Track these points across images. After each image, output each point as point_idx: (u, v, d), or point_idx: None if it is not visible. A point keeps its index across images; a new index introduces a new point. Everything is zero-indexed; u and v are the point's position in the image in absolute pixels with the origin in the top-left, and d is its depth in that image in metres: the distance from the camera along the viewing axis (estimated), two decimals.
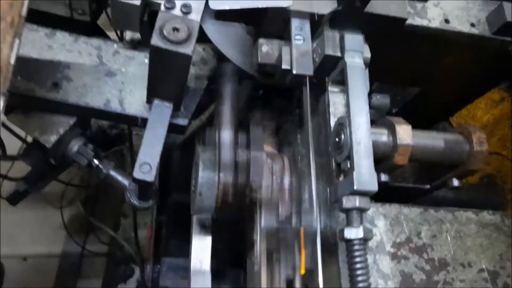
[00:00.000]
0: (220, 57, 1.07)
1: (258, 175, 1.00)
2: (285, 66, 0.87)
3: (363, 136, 0.77)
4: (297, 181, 0.98)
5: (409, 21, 1.05)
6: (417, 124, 1.42)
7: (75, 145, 1.03)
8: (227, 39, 0.89)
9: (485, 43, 1.11)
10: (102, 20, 1.22)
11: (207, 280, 1.07)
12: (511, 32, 1.07)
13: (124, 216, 2.62)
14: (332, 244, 0.80)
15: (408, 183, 0.95)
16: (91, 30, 1.05)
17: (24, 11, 0.73)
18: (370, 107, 1.29)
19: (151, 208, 1.06)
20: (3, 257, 2.28)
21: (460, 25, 1.10)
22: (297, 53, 0.87)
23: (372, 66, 1.00)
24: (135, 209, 1.02)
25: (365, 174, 0.73)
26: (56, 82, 0.99)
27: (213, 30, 0.88)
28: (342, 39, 0.87)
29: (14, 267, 2.42)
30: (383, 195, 0.94)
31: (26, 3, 0.74)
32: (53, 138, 1.00)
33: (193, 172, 1.09)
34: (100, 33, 1.15)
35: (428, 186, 0.95)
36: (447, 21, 1.09)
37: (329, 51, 0.86)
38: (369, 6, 0.94)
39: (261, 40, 0.93)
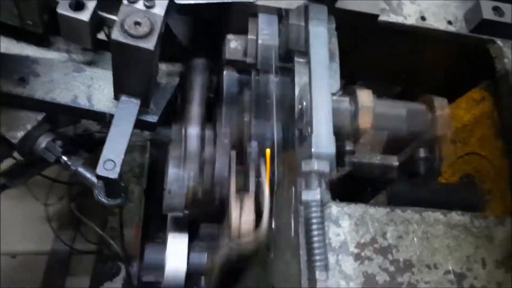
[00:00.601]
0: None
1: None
2: (249, 60, 0.85)
3: (322, 101, 0.76)
4: None
5: (384, 17, 1.04)
6: None
7: (43, 142, 1.02)
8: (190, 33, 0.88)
9: (462, 40, 1.10)
10: None
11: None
12: (488, 29, 1.06)
13: (112, 214, 2.61)
14: None
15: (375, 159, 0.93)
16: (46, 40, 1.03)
17: None
18: None
19: (122, 205, 1.05)
20: None
21: (436, 22, 1.08)
22: (262, 47, 0.85)
23: (352, 63, 0.99)
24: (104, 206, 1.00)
25: (323, 137, 0.73)
26: (23, 77, 0.97)
27: (178, 24, 0.86)
28: (306, 8, 0.86)
29: (2, 264, 2.41)
30: (352, 188, 0.93)
31: None
32: (20, 134, 0.98)
33: (165, 169, 1.08)
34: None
35: (396, 163, 0.93)
36: (423, 18, 1.07)
37: (293, 21, 0.85)
38: (340, 2, 0.92)
39: (229, 36, 0.92)
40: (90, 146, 2.08)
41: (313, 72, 0.79)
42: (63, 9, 0.87)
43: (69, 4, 0.87)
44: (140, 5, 0.82)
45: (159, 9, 0.83)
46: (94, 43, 0.93)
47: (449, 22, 1.09)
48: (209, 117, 1.00)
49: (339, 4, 0.92)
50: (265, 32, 0.86)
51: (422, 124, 0.89)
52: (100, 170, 0.86)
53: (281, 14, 0.89)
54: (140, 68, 0.86)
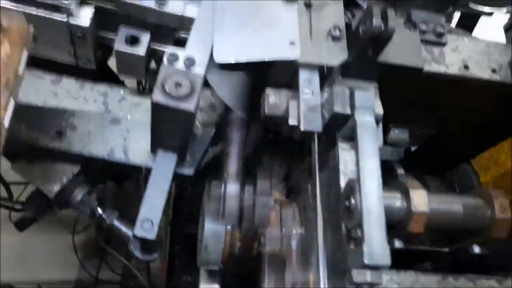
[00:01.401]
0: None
1: (264, 224, 0.97)
2: (292, 122, 0.83)
3: (374, 204, 0.71)
4: (307, 232, 0.94)
5: (426, 67, 1.01)
6: (436, 165, 1.36)
7: (78, 194, 1.01)
8: (231, 89, 0.86)
9: (507, 88, 1.06)
10: None
11: None
12: None
13: None
14: None
15: (424, 246, 0.89)
16: (99, 74, 1.04)
17: (21, 70, 0.72)
18: (387, 143, 1.24)
19: (155, 260, 1.03)
20: (17, 283, 2.28)
21: (480, 71, 1.04)
22: (305, 108, 0.83)
23: (386, 105, 0.96)
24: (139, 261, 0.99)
25: (377, 247, 0.68)
26: (60, 130, 0.97)
27: (217, 79, 0.85)
28: (352, 95, 0.83)
29: None
30: (396, 256, 0.89)
31: (23, 60, 0.72)
32: (56, 188, 0.98)
33: (200, 220, 1.06)
34: (109, 74, 1.13)
35: (447, 250, 0.89)
36: (466, 67, 1.04)
37: (338, 109, 0.82)
38: (382, 55, 0.90)
39: (268, 91, 0.90)
40: (118, 178, 2.08)
41: (363, 169, 0.75)
42: (119, 45, 0.88)
43: (125, 39, 0.88)
44: (180, 65, 0.81)
45: (199, 69, 0.81)
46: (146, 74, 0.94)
47: (493, 70, 1.05)
48: (248, 171, 0.98)
49: (381, 58, 0.89)
50: (307, 91, 0.84)
51: (479, 225, 0.85)
52: (138, 231, 0.84)
53: (323, 71, 0.87)
54: (179, 126, 0.84)
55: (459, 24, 1.33)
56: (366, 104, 0.81)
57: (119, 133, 1.00)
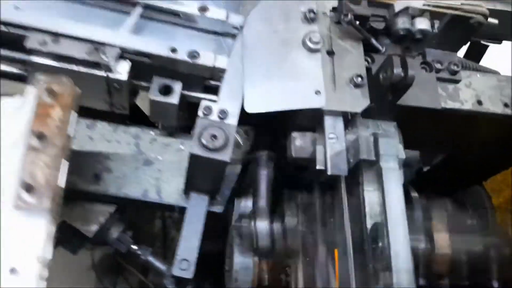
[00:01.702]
0: (256, 142, 1.09)
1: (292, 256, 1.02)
2: (319, 166, 0.88)
3: (402, 249, 0.77)
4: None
5: (442, 104, 1.06)
6: (448, 186, 1.41)
7: (114, 232, 1.07)
8: None
9: None
10: None
11: None
12: None
13: None
14: None
15: (445, 281, 0.95)
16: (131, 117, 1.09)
17: (72, 131, 0.77)
18: None
19: None
20: None
21: (493, 106, 1.10)
22: (331, 153, 0.88)
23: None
24: None
25: None
26: (97, 173, 1.02)
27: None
28: (376, 142, 0.88)
29: None
30: None
31: (73, 121, 0.78)
32: (94, 228, 1.03)
33: (227, 251, 1.11)
34: (139, 115, 1.19)
35: (467, 283, 0.94)
36: (479, 102, 1.09)
37: (364, 156, 0.87)
38: (401, 99, 0.95)
39: (294, 134, 0.95)
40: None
41: (390, 214, 0.81)
42: (154, 95, 0.94)
43: (158, 89, 0.94)
44: (214, 117, 0.86)
45: (232, 119, 0.87)
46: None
47: (506, 105, 1.10)
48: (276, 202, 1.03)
49: (400, 101, 0.95)
50: (333, 136, 0.89)
51: (498, 262, 0.90)
52: (175, 271, 0.90)
53: (347, 116, 0.92)
54: (214, 173, 0.90)
55: (467, 54, 1.38)
56: (391, 151, 0.86)
57: (152, 174, 1.05)
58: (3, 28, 0.89)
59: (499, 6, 1.27)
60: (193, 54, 0.91)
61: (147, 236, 2.33)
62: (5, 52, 0.92)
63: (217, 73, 0.93)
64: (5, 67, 0.94)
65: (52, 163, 0.73)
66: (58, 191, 0.73)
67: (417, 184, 1.51)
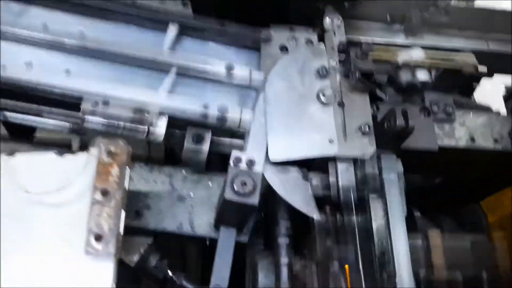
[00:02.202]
0: None
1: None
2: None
3: (406, 275, 0.92)
4: None
5: (439, 142, 1.20)
6: (448, 204, 1.54)
7: (153, 261, 1.21)
8: (286, 185, 1.05)
9: (509, 155, 1.25)
10: None
11: None
12: None
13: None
14: None
15: None
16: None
17: (127, 185, 0.92)
18: None
19: None
20: None
21: (485, 142, 1.24)
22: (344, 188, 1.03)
23: None
24: None
25: None
26: (138, 210, 1.17)
27: (273, 176, 1.05)
28: (379, 159, 1.03)
29: None
30: None
31: (128, 176, 0.92)
32: (136, 258, 1.17)
33: (248, 275, 1.25)
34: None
35: None
36: (473, 139, 1.23)
37: (371, 191, 1.02)
38: None
39: (310, 175, 1.10)
40: None
41: (392, 219, 0.96)
42: (188, 144, 1.09)
43: (192, 138, 1.08)
44: (243, 165, 1.01)
45: (258, 167, 1.01)
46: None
47: (496, 141, 1.24)
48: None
49: (404, 145, 1.09)
50: (344, 177, 1.04)
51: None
52: None
53: (356, 161, 1.07)
54: (243, 214, 1.04)
55: (461, 88, 1.52)
56: (391, 165, 1.01)
57: (185, 209, 1.19)
58: (59, 91, 1.04)
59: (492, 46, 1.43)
60: (223, 109, 1.06)
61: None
62: (59, 111, 1.07)
63: (243, 125, 1.08)
64: (60, 123, 1.10)
65: (114, 213, 0.88)
66: (119, 237, 0.88)
67: (419, 201, 1.66)
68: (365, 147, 1.06)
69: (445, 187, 1.70)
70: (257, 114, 1.08)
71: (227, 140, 1.14)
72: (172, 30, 1.15)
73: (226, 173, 1.00)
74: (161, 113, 1.06)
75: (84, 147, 1.16)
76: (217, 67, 1.11)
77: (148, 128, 1.06)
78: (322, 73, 1.11)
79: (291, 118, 1.07)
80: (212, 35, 1.18)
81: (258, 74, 1.13)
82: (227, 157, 1.01)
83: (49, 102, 1.08)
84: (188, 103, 1.06)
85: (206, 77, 1.14)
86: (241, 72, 1.12)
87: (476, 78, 1.25)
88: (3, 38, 1.09)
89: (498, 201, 1.56)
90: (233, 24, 1.17)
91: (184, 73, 1.13)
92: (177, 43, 1.17)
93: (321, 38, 1.23)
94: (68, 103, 1.08)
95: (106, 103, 1.03)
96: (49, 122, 1.10)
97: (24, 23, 1.12)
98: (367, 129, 1.07)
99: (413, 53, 1.16)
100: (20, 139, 1.21)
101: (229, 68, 1.11)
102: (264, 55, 1.18)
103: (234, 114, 1.06)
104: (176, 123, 1.09)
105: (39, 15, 1.16)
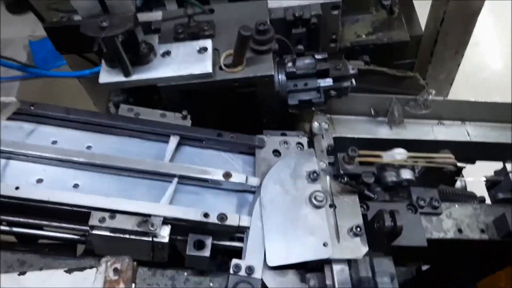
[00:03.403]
0: None
1: None
2: None
3: None
4: None
5: (427, 235, 1.26)
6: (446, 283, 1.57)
7: None
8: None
9: (496, 244, 1.31)
10: None
11: None
12: None
13: None
14: None
15: None
16: None
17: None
18: None
19: None
20: None
21: (472, 232, 1.30)
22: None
23: None
24: None
25: None
26: None
27: (272, 280, 1.09)
28: (371, 261, 1.08)
29: None
30: None
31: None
32: None
33: None
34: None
35: None
36: (460, 230, 1.30)
37: (363, 274, 1.07)
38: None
39: (308, 275, 1.14)
40: None
41: None
42: (190, 251, 1.13)
43: (193, 244, 1.13)
44: (242, 272, 1.06)
45: (257, 273, 1.07)
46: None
47: (482, 231, 1.30)
48: None
49: (395, 243, 1.15)
50: (340, 279, 1.09)
51: None
52: None
53: (350, 261, 1.12)
54: None
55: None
56: (383, 268, 1.06)
57: None
58: (67, 207, 1.11)
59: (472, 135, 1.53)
60: (222, 217, 1.12)
61: None
62: (67, 226, 1.14)
63: (241, 230, 1.14)
64: (67, 236, 1.15)
65: None
66: None
67: (417, 283, 1.69)
68: (358, 248, 1.12)
69: (442, 271, 1.74)
70: (254, 218, 1.14)
71: (227, 243, 1.19)
72: (173, 142, 1.24)
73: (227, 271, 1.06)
74: (164, 223, 1.12)
75: (88, 251, 1.22)
76: (216, 176, 1.19)
77: (152, 238, 1.11)
78: (313, 177, 1.19)
79: (286, 222, 1.13)
80: (210, 144, 1.28)
81: (253, 179, 1.21)
82: None
83: (57, 213, 1.15)
84: (189, 212, 1.12)
85: (205, 185, 1.22)
86: (238, 179, 1.20)
87: (457, 172, 1.33)
88: (16, 159, 1.17)
89: (493, 283, 1.60)
90: (229, 133, 1.26)
91: (185, 182, 1.21)
92: (177, 152, 1.26)
93: (311, 141, 1.32)
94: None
95: (112, 217, 1.09)
96: (57, 235, 1.16)
97: (35, 142, 1.22)
98: (358, 231, 1.14)
99: (396, 154, 1.24)
100: (27, 246, 1.26)
101: (227, 176, 1.19)
102: (259, 159, 1.26)
103: (232, 221, 1.13)
104: (179, 230, 1.15)
105: (49, 133, 1.26)
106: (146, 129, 1.26)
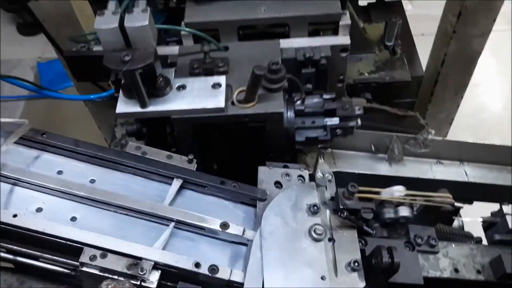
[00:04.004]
0: None
1: None
2: None
3: None
4: None
5: (424, 274, 1.27)
6: None
7: None
8: None
9: (491, 287, 1.32)
10: None
11: None
12: None
13: None
14: None
15: None
16: None
17: None
18: None
19: None
20: None
21: (468, 273, 1.31)
22: None
23: None
24: None
25: None
26: None
27: None
28: None
29: None
30: None
31: None
32: None
33: None
34: None
35: None
36: (456, 270, 1.31)
37: None
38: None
39: None
40: None
41: None
42: None
43: None
44: None
45: None
46: None
47: (478, 272, 1.32)
48: None
49: (391, 279, 1.16)
50: None
51: None
52: None
53: None
54: None
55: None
56: None
57: None
58: (63, 241, 1.11)
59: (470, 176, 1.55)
60: (213, 268, 1.10)
61: None
62: (59, 260, 1.14)
63: (231, 283, 1.12)
64: (57, 269, 1.16)
65: None
66: None
67: None
68: (355, 283, 1.13)
69: None
70: (253, 249, 1.15)
71: None
72: (176, 185, 1.25)
73: None
74: (154, 268, 1.10)
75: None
76: (213, 225, 1.19)
77: (141, 283, 1.08)
78: (314, 210, 1.21)
79: (286, 253, 1.14)
80: (212, 190, 1.28)
81: (250, 232, 1.19)
82: None
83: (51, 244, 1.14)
84: (181, 260, 1.10)
85: (202, 232, 1.21)
86: (235, 230, 1.18)
87: (454, 212, 1.35)
88: (20, 185, 1.20)
89: None
90: (232, 182, 1.27)
91: (181, 228, 1.20)
92: (179, 195, 1.26)
93: (312, 175, 1.35)
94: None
95: (103, 255, 1.08)
96: (47, 267, 1.17)
97: (42, 169, 1.24)
98: (356, 265, 1.15)
99: (395, 191, 1.27)
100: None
101: (224, 226, 1.18)
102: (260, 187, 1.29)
103: (223, 274, 1.11)
104: (169, 277, 1.12)
105: (56, 162, 1.28)
106: (150, 169, 1.27)
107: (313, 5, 1.53)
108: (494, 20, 2.14)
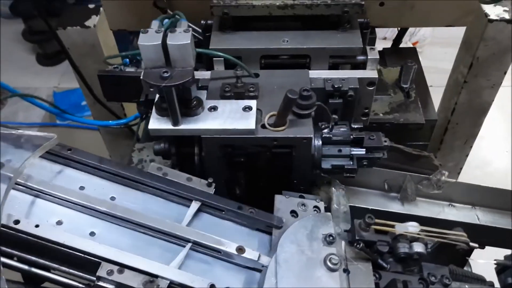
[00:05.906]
0: None
1: None
2: None
3: None
4: None
5: None
6: None
7: None
8: None
9: None
10: None
11: None
12: None
13: None
14: None
15: None
16: None
17: None
18: None
19: None
20: None
21: None
22: None
23: None
24: None
25: None
26: None
27: None
28: None
29: None
30: None
31: None
32: None
33: None
34: None
35: None
36: None
37: None
38: None
39: None
40: None
41: None
42: None
43: None
44: None
45: None
46: None
47: None
48: None
49: None
50: None
51: None
52: None
53: None
54: None
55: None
56: None
57: None
58: (80, 255, 1.12)
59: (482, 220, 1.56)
60: None
61: None
62: (76, 273, 1.15)
63: None
64: (73, 283, 1.16)
65: None
66: None
67: None
68: None
69: None
70: (268, 275, 1.15)
71: None
72: (194, 207, 1.27)
73: None
74: (169, 286, 1.10)
75: None
76: (229, 248, 1.20)
77: None
78: (329, 240, 1.22)
79: (301, 281, 1.14)
80: (228, 215, 1.30)
81: (265, 258, 1.21)
82: None
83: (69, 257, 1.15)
84: (197, 281, 1.11)
85: (217, 255, 1.22)
86: (251, 255, 1.20)
87: (468, 252, 1.35)
88: (43, 198, 1.22)
89: None
90: (249, 207, 1.29)
91: (198, 249, 1.22)
92: (196, 217, 1.28)
93: (327, 207, 1.36)
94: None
95: (120, 271, 1.09)
96: (63, 281, 1.17)
97: (64, 184, 1.27)
98: None
99: (410, 227, 1.27)
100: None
101: (240, 250, 1.20)
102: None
103: None
104: None
105: (79, 178, 1.31)
106: (170, 190, 1.29)
107: (335, 39, 1.61)
108: (505, 73, 2.21)
